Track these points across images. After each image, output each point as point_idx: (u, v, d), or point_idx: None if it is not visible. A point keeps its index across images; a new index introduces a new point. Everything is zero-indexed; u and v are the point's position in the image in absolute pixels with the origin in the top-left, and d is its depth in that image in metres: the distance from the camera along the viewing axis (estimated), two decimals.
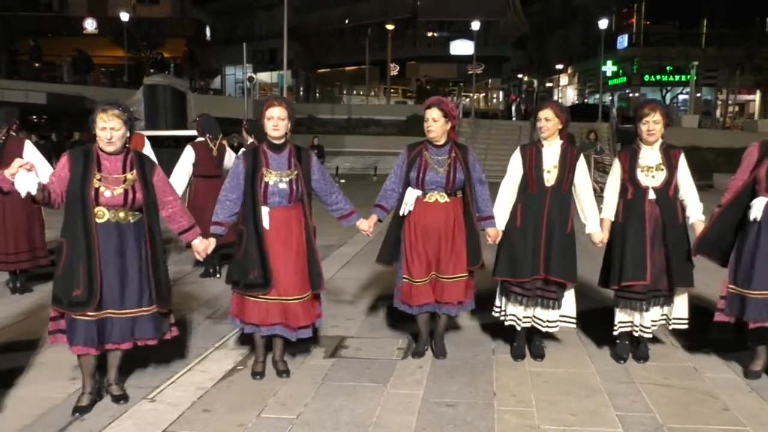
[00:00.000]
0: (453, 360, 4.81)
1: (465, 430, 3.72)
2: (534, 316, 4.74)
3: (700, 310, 5.21)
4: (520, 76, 50.40)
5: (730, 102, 37.99)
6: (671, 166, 4.57)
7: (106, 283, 3.79)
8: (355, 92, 49.32)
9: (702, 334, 4.89)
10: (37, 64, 35.47)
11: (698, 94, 36.22)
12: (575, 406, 4.04)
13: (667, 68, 34.72)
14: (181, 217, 4.14)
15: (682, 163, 4.62)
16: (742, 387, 4.33)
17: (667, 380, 4.43)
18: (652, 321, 4.70)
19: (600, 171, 16.03)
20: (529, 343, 4.91)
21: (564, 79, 46.53)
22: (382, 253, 4.83)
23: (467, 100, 43.94)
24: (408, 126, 28.11)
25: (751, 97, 37.64)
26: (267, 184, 4.25)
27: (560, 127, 4.62)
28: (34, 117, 30.48)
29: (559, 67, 44.79)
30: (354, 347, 5.07)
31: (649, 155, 4.60)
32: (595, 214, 4.70)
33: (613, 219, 4.73)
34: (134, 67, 35.70)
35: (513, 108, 44.84)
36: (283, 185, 4.27)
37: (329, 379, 4.44)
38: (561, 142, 4.65)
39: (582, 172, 4.67)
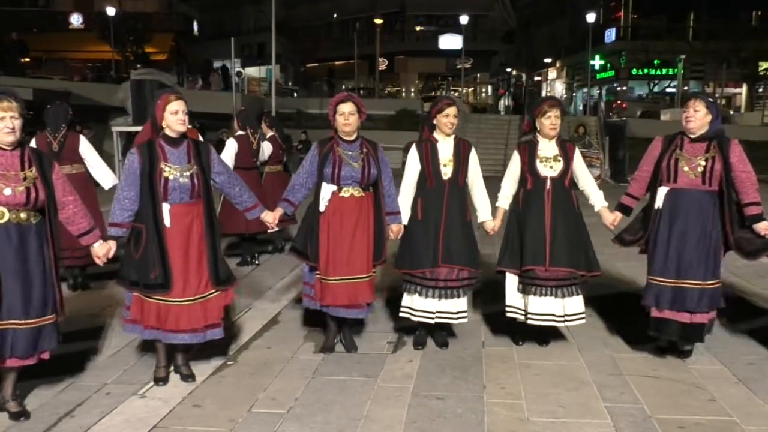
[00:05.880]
0: (443, 353, 4.83)
1: (455, 422, 3.74)
2: (439, 311, 4.77)
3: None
4: (508, 70, 50.43)
5: (717, 95, 38.15)
6: (567, 157, 4.77)
7: (6, 290, 3.50)
8: (344, 86, 49.18)
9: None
10: (22, 60, 35.14)
11: (685, 88, 36.39)
12: (564, 398, 4.07)
13: (655, 62, 34.92)
14: (82, 218, 3.85)
15: (577, 155, 4.85)
16: (729, 378, 4.38)
17: (654, 372, 4.48)
18: (550, 314, 4.72)
19: (589, 166, 16.02)
20: (431, 333, 5.00)
21: (552, 73, 46.58)
22: (297, 246, 4.77)
23: (456, 94, 43.94)
24: (397, 120, 27.92)
25: (737, 90, 37.87)
26: (167, 179, 4.00)
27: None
28: None
29: (548, 61, 44.84)
30: None
31: (547, 147, 4.80)
32: (486, 204, 4.91)
33: (507, 208, 4.93)
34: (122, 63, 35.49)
35: (501, 102, 44.83)
36: (184, 180, 4.03)
37: (319, 374, 4.44)
38: (453, 136, 4.80)
39: (474, 164, 4.83)
